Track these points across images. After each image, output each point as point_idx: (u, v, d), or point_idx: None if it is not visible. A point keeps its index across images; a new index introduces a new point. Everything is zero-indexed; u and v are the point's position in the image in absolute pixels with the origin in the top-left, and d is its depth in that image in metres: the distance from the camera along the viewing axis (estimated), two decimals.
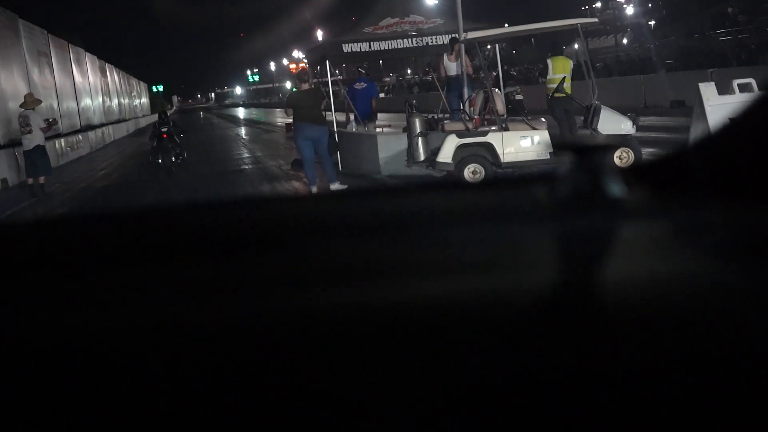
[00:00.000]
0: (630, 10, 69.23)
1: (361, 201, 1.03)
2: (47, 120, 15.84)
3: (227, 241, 0.82)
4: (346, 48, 14.82)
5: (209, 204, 0.97)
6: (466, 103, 12.04)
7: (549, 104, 11.97)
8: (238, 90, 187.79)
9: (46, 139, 15.76)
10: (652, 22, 65.89)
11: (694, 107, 7.47)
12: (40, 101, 16.68)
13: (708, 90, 7.25)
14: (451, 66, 13.37)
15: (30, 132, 14.84)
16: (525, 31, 12.88)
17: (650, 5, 68.50)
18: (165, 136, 16.92)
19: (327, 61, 14.76)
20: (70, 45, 33.70)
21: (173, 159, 16.82)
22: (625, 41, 63.44)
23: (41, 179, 14.98)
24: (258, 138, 30.80)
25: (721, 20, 47.88)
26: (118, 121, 47.05)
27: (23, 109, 15.33)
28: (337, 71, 14.36)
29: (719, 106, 7.17)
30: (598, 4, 75.30)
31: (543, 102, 12.28)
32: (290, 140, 24.00)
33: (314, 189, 11.32)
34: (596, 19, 12.77)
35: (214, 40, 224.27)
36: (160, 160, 16.74)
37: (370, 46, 14.94)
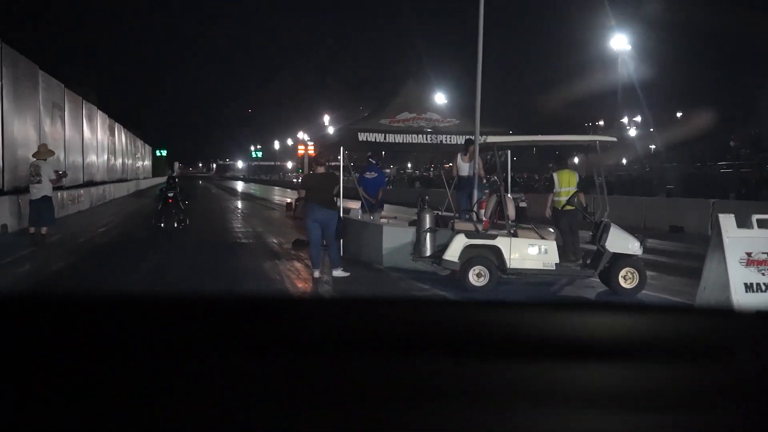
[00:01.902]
0: (632, 132, 70.48)
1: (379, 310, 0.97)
2: (57, 172, 15.89)
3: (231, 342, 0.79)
4: (362, 137, 15.05)
5: (213, 297, 0.90)
6: (476, 205, 12.16)
7: (554, 216, 12.05)
8: (240, 164, 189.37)
9: (53, 190, 15.79)
10: (653, 146, 67.04)
11: (711, 237, 7.52)
12: (53, 153, 16.77)
13: (727, 221, 7.30)
14: (464, 166, 13.54)
15: (39, 182, 14.88)
16: (545, 141, 13.07)
17: (652, 129, 69.80)
18: (170, 200, 17.03)
19: (341, 148, 14.95)
20: (84, 101, 34.13)
21: (176, 224, 16.89)
22: (624, 161, 64.38)
23: (43, 229, 14.95)
24: (257, 213, 30.91)
25: (723, 152, 48.79)
26: (120, 180, 47.26)
27: (35, 159, 15.40)
28: (340, 157, 14.62)
29: (738, 239, 7.24)
30: (601, 122, 76.62)
31: (545, 210, 12.33)
32: (290, 219, 24.09)
33: (317, 273, 11.30)
34: (615, 138, 12.96)
35: (221, 114, 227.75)
36: (162, 224, 16.80)
37: (385, 138, 15.18)
